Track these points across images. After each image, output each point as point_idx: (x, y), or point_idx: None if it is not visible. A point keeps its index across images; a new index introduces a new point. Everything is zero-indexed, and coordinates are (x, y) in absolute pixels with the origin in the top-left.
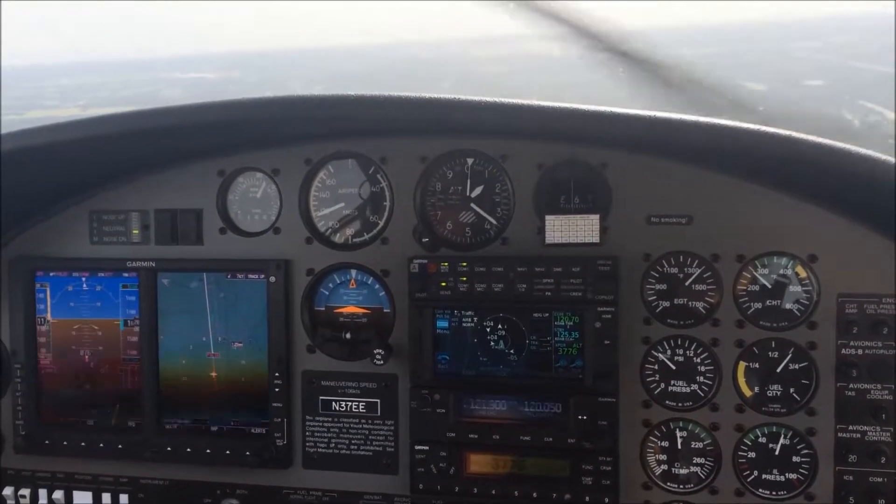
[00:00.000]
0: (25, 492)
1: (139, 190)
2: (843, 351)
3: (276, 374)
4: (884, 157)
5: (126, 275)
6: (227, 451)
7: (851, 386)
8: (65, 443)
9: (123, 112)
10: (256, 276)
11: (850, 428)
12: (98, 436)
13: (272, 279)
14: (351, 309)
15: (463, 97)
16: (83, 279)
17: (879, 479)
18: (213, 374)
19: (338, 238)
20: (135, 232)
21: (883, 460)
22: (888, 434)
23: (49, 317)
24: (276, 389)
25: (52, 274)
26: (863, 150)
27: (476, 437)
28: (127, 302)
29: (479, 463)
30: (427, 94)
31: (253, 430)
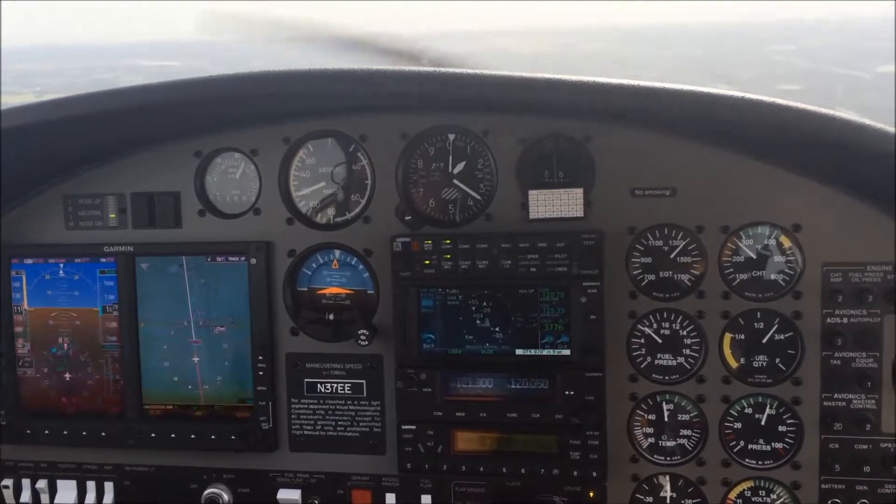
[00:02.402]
0: (8, 482)
1: (115, 173)
2: (829, 320)
3: (260, 358)
4: (869, 122)
5: (104, 260)
6: (213, 436)
7: (837, 355)
8: (46, 431)
9: (97, 92)
10: (237, 259)
11: (836, 396)
12: (80, 423)
13: (253, 261)
14: (334, 290)
15: (443, 70)
16: (60, 266)
17: (865, 447)
18: (196, 359)
19: (319, 218)
20: (111, 216)
21: (868, 427)
22: (873, 401)
23: (25, 305)
24: (261, 373)
25: (28, 261)
26: (847, 116)
27: (463, 415)
28: (105, 287)
29: (466, 441)
30: (407, 68)
31: (238, 414)
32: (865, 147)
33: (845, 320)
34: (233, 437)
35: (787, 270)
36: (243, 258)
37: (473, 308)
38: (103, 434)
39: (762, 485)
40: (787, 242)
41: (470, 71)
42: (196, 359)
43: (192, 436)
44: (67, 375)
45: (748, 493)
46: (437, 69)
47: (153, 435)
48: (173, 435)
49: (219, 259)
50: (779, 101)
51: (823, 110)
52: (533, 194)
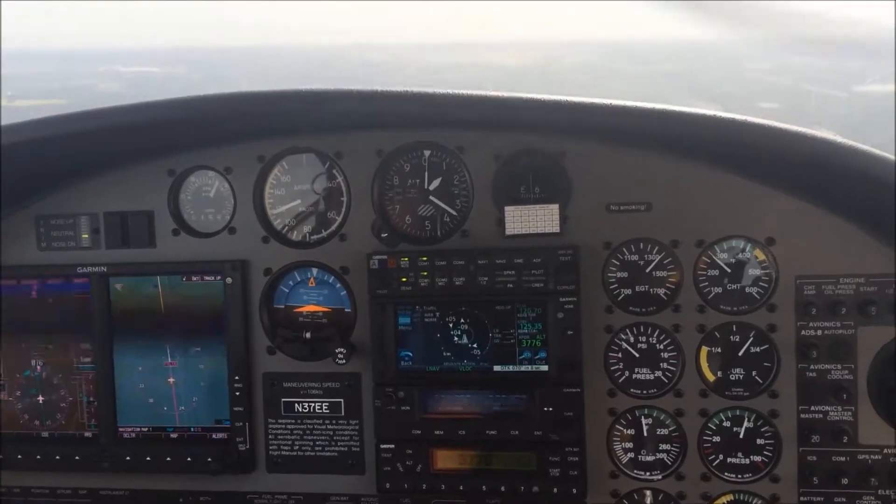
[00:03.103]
0: None
1: (87, 192)
2: (803, 332)
3: (237, 378)
4: (838, 139)
5: (77, 281)
6: (188, 458)
7: (812, 367)
8: (19, 456)
9: (66, 114)
10: (212, 278)
11: (813, 409)
12: (53, 447)
13: (229, 280)
14: (311, 308)
15: (417, 90)
16: (33, 287)
17: (842, 459)
18: (171, 380)
19: (294, 235)
20: (84, 236)
21: (845, 440)
22: (850, 413)
23: None
24: (237, 393)
25: (0, 283)
26: (817, 133)
27: (442, 433)
28: None
29: (445, 459)
30: (381, 88)
31: (214, 436)
32: (839, 164)
33: (819, 332)
34: (209, 459)
35: (761, 283)
36: (219, 277)
37: (451, 325)
38: (77, 458)
39: (742, 498)
40: (761, 256)
41: (443, 91)
42: (171, 380)
43: (168, 458)
44: (41, 398)
45: None
46: (411, 90)
47: (128, 458)
48: (148, 458)
49: (194, 278)
50: (751, 119)
51: (795, 128)
52: (509, 210)
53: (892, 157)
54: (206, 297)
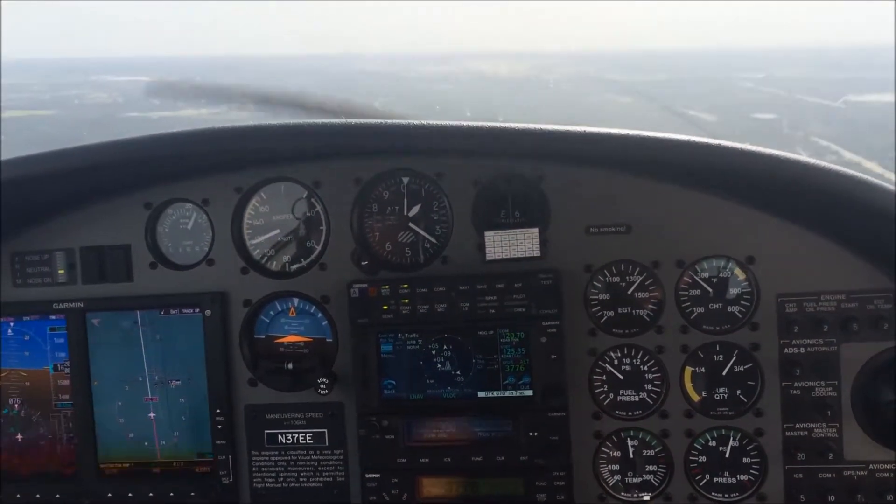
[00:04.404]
0: None
1: (63, 227)
2: (786, 350)
3: (218, 411)
4: (812, 160)
5: (53, 317)
6: (171, 493)
7: (796, 384)
8: None
9: (38, 154)
10: (191, 311)
11: (798, 426)
12: (34, 486)
13: (208, 313)
14: (292, 338)
15: (391, 121)
16: (10, 325)
17: (828, 475)
18: (152, 415)
19: (274, 265)
20: (60, 272)
21: (831, 456)
22: (834, 430)
23: None
24: (219, 426)
25: None
26: (791, 156)
27: (427, 461)
28: (56, 345)
29: (431, 487)
30: (356, 121)
31: (197, 470)
32: (815, 187)
33: (802, 350)
34: (192, 494)
35: (743, 302)
36: (198, 310)
37: (434, 352)
38: (58, 496)
39: None
40: (741, 275)
41: (419, 123)
42: (152, 414)
43: (151, 494)
44: (20, 436)
45: None
46: (386, 122)
47: (109, 495)
48: (131, 494)
49: (172, 312)
50: (726, 143)
51: (770, 151)
52: (489, 235)
53: (866, 177)
54: (186, 331)
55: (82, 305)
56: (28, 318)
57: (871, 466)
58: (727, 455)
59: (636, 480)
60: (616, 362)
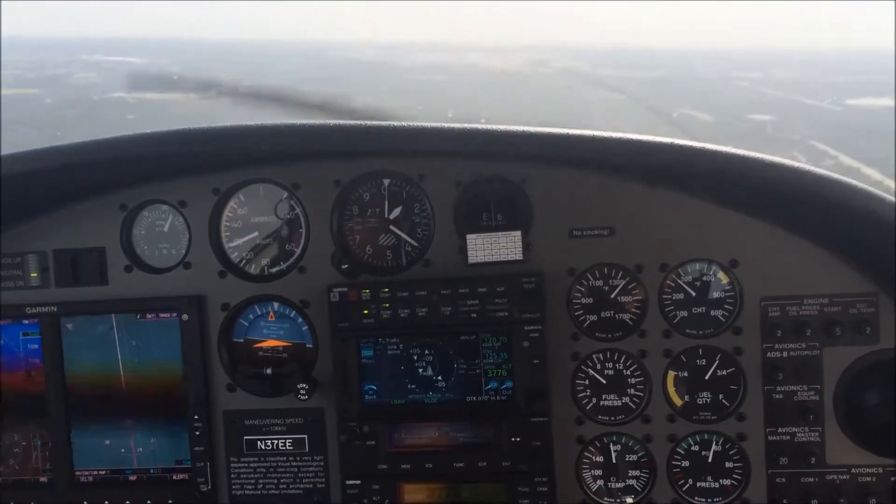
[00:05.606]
0: None
1: (35, 230)
2: (769, 354)
3: (196, 417)
4: (795, 164)
5: (26, 322)
6: (148, 501)
7: (779, 388)
8: None
9: (10, 154)
10: (168, 315)
11: (780, 430)
12: (8, 494)
13: (185, 317)
14: (272, 343)
15: (371, 123)
16: None
17: (811, 479)
18: (128, 420)
19: (253, 269)
20: (33, 275)
21: (813, 460)
22: (817, 434)
23: None
24: (197, 433)
25: None
26: (775, 159)
27: (408, 467)
28: (29, 350)
29: (413, 493)
30: (336, 122)
31: (174, 477)
32: (786, 184)
33: (785, 354)
34: (170, 502)
35: (726, 306)
36: (175, 314)
37: (415, 357)
38: None
39: None
40: (725, 278)
41: (400, 124)
42: (129, 420)
43: (127, 502)
44: None
45: None
46: (366, 123)
47: (85, 503)
48: (107, 502)
49: (149, 316)
50: (710, 146)
51: (755, 155)
52: (471, 238)
53: (849, 180)
54: (162, 335)
55: (56, 310)
56: (0, 323)
57: (853, 470)
58: (710, 459)
59: (619, 485)
60: (599, 366)
